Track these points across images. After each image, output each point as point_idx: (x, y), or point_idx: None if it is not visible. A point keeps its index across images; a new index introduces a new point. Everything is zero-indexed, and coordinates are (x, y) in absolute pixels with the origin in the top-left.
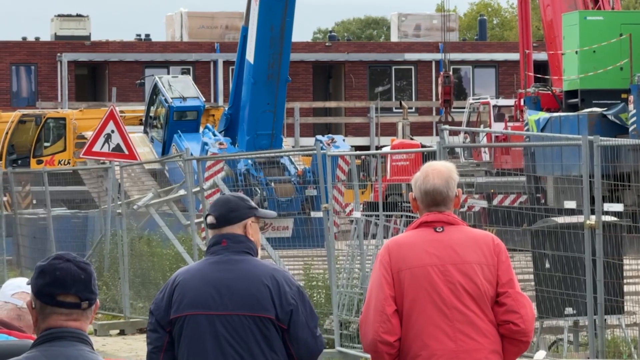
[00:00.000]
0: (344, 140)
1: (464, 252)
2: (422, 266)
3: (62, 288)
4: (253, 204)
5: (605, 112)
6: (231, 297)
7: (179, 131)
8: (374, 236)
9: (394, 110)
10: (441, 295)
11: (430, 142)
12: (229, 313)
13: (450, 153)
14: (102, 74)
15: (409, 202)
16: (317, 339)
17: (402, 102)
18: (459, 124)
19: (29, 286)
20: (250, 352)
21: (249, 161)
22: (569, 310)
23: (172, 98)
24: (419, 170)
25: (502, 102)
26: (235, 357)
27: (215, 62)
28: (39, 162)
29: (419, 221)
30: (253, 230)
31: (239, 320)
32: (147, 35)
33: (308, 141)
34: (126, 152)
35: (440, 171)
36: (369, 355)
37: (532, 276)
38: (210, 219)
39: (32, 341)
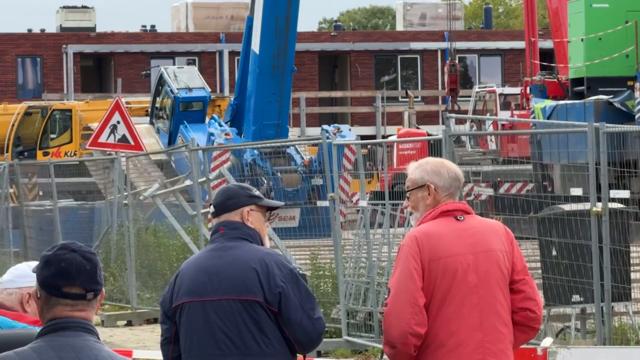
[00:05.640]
0: (350, 129)
1: (488, 239)
2: (454, 255)
3: (67, 279)
4: (256, 193)
5: (611, 100)
6: (220, 283)
7: (185, 122)
8: (380, 225)
9: (400, 99)
10: (472, 284)
11: (437, 131)
12: (219, 298)
13: (457, 141)
14: (107, 65)
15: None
16: (315, 322)
17: (408, 91)
18: (465, 112)
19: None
20: (241, 337)
21: (255, 151)
22: (576, 297)
23: (177, 89)
24: (426, 165)
25: (508, 90)
26: (226, 342)
27: (221, 53)
28: (45, 154)
29: (439, 210)
30: (253, 218)
31: (228, 305)
32: (153, 26)
33: (314, 131)
34: (132, 143)
35: (447, 161)
36: (375, 344)
37: (539, 264)
38: (211, 208)
39: (38, 330)
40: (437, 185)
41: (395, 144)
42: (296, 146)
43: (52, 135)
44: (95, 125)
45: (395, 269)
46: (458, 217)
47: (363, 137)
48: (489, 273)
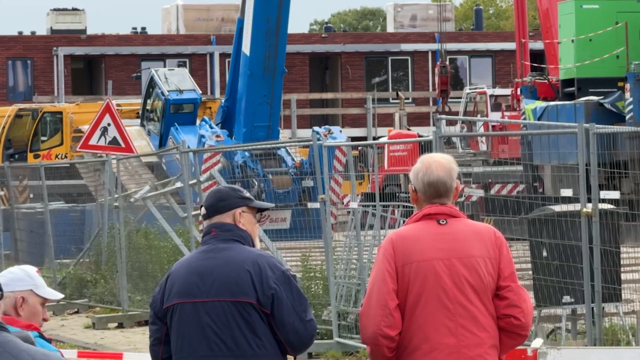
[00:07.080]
0: (340, 131)
1: (468, 245)
2: (428, 260)
3: None
4: (247, 195)
5: (601, 101)
6: (213, 284)
7: (175, 124)
8: (371, 227)
9: (391, 101)
10: (445, 289)
11: (427, 132)
12: (211, 300)
13: (447, 143)
14: (98, 67)
15: (407, 193)
16: (307, 324)
17: (399, 92)
18: (456, 114)
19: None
20: (233, 338)
21: (246, 153)
22: (566, 298)
23: (168, 91)
24: (417, 162)
25: (498, 91)
26: (218, 343)
27: (212, 55)
28: (36, 157)
29: (422, 213)
30: (245, 220)
31: (221, 306)
32: (143, 29)
33: (305, 133)
34: (123, 145)
35: (442, 163)
36: (366, 346)
37: (529, 265)
38: (202, 210)
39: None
40: (414, 186)
41: (386, 145)
42: (287, 148)
43: (43, 138)
44: (86, 128)
45: (372, 271)
46: (440, 221)
47: (354, 139)
48: (464, 279)
